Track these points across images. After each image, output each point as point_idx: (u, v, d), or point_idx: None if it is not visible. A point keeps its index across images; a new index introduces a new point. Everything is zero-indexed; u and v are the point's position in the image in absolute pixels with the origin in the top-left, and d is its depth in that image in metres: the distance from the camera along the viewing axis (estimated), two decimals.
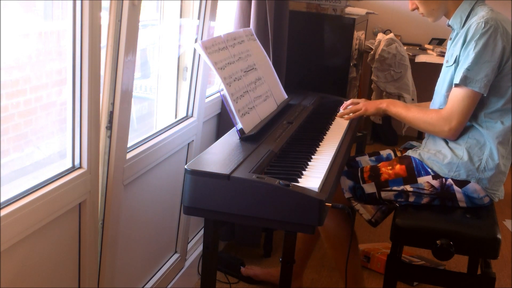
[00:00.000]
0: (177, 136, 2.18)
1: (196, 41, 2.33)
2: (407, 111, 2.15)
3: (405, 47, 4.64)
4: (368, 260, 2.89)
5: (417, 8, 2.15)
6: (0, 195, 1.33)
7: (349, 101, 2.46)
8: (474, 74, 1.95)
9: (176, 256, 2.44)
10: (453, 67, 2.05)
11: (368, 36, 4.66)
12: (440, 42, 5.00)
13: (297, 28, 3.10)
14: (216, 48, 1.96)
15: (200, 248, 2.61)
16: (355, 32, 3.16)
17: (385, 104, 2.22)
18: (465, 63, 1.97)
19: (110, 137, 1.72)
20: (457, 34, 2.10)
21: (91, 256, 1.72)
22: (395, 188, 2.11)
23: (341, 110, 2.44)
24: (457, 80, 1.98)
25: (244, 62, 2.13)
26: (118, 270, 1.95)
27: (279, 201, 1.55)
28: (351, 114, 2.36)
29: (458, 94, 1.99)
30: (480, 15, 1.99)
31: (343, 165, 2.01)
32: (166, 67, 2.38)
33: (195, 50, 2.29)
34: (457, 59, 2.03)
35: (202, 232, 2.73)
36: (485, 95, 1.98)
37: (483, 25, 1.95)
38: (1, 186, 1.35)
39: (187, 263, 2.54)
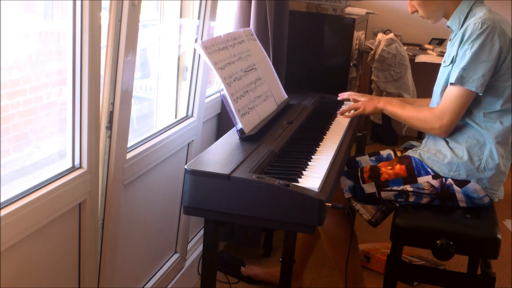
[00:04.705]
0: (177, 136, 2.18)
1: (196, 41, 2.33)
2: (402, 110, 2.16)
3: (405, 47, 4.64)
4: (368, 260, 2.89)
5: (416, 10, 2.16)
6: (0, 195, 1.33)
7: (346, 94, 2.50)
8: (470, 74, 1.95)
9: (176, 256, 2.44)
10: (450, 67, 2.06)
11: (368, 36, 4.66)
12: (440, 42, 5.00)
13: (297, 28, 3.11)
14: (216, 48, 1.96)
15: (200, 248, 2.61)
16: (355, 32, 3.16)
17: (382, 103, 2.23)
18: (461, 62, 1.97)
19: (110, 137, 1.72)
20: (455, 35, 2.10)
21: (91, 256, 1.72)
22: (395, 188, 2.11)
23: (341, 108, 2.46)
24: (452, 79, 1.99)
25: (244, 62, 2.13)
26: (118, 270, 1.95)
27: (279, 201, 1.55)
28: (351, 112, 2.36)
29: (452, 92, 2.00)
30: (477, 16, 2.00)
31: (343, 165, 2.01)
32: (166, 67, 2.38)
33: (195, 50, 2.29)
34: (453, 59, 2.04)
35: (202, 232, 2.73)
36: (481, 95, 1.98)
37: (480, 26, 1.95)
38: (1, 186, 1.35)
39: (187, 263, 2.54)
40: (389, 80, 4.39)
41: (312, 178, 1.68)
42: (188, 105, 2.35)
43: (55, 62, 1.67)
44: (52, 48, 1.68)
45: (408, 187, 2.10)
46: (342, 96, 2.57)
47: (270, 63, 2.44)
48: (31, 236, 1.43)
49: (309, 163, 1.82)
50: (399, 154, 2.33)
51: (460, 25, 2.08)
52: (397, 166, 2.13)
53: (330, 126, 2.28)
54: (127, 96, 1.74)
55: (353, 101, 2.44)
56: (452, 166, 2.05)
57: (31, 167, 1.63)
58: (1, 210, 1.31)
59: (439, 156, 2.08)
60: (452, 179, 2.05)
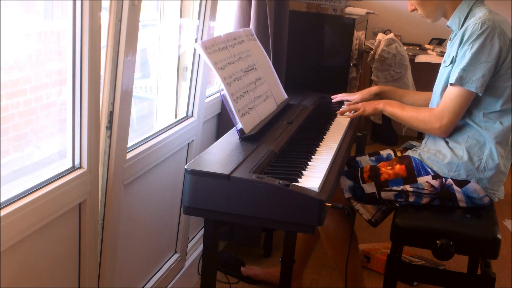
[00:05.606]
0: (177, 136, 2.18)
1: (196, 41, 2.33)
2: (402, 111, 2.17)
3: (405, 47, 4.64)
4: (368, 260, 2.89)
5: (416, 9, 2.17)
6: (0, 195, 1.33)
7: (339, 97, 2.56)
8: (470, 75, 1.96)
9: (176, 256, 2.44)
10: (449, 67, 2.06)
11: (368, 36, 4.66)
12: (440, 42, 5.00)
13: (297, 28, 3.11)
14: (216, 48, 1.96)
15: (200, 248, 2.61)
16: (355, 32, 3.16)
17: (381, 105, 2.24)
18: (461, 63, 1.98)
19: (110, 137, 1.72)
20: (455, 35, 2.10)
21: (91, 256, 1.72)
22: (395, 188, 2.11)
23: (341, 108, 2.46)
24: (452, 80, 1.99)
25: (244, 62, 2.13)
26: (118, 270, 1.95)
27: (279, 201, 1.55)
28: (350, 113, 2.37)
29: (452, 93, 2.00)
30: (477, 17, 2.00)
31: (343, 165, 2.01)
32: (166, 67, 2.38)
33: (195, 50, 2.29)
34: (453, 59, 2.04)
35: (202, 232, 2.73)
36: (480, 95, 1.99)
37: (479, 26, 1.96)
38: (1, 186, 1.35)
39: (187, 263, 2.54)
40: (389, 80, 4.39)
41: (312, 178, 1.68)
42: (188, 105, 2.36)
43: (55, 62, 1.67)
44: (52, 48, 1.68)
45: (408, 187, 2.10)
46: (335, 98, 2.60)
47: (270, 63, 2.44)
48: (31, 236, 1.43)
49: (309, 163, 1.82)
50: (399, 154, 2.33)
51: (460, 25, 2.08)
52: (397, 166, 2.13)
53: (330, 126, 2.28)
54: (127, 96, 1.74)
55: (346, 103, 2.47)
56: (452, 166, 2.05)
57: (31, 167, 1.63)
58: (1, 210, 1.31)
59: (439, 156, 2.08)
60: (452, 179, 2.05)
